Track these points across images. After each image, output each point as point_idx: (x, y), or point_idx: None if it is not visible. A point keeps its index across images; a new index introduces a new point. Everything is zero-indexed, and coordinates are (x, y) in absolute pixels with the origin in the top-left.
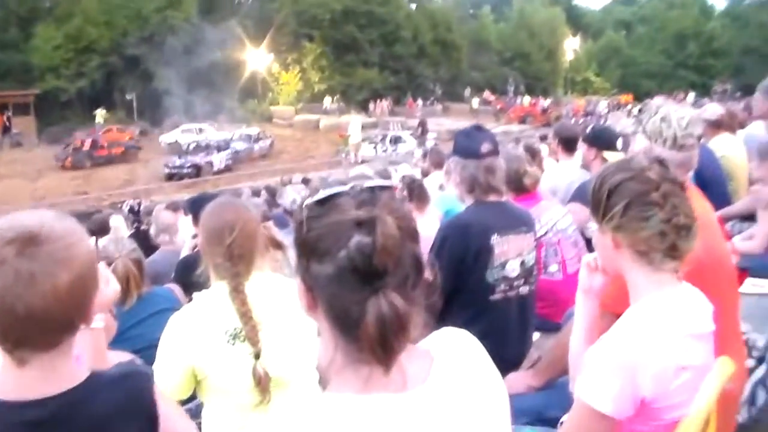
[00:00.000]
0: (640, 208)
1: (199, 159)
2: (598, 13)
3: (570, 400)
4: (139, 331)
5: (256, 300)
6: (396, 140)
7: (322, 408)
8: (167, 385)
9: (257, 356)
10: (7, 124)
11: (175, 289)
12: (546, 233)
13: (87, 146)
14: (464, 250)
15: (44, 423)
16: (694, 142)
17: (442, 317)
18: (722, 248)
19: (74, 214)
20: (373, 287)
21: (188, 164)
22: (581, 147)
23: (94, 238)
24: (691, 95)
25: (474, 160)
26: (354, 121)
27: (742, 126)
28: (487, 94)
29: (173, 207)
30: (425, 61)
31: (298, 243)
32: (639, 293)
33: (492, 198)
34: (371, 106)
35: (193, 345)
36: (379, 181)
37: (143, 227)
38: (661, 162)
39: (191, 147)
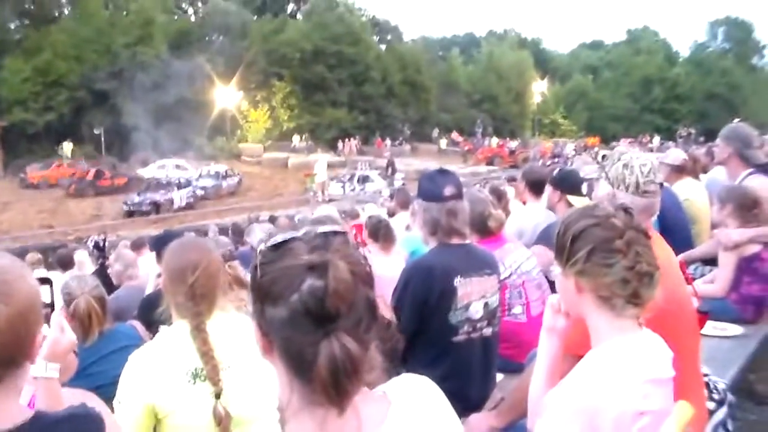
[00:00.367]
0: (604, 255)
1: (159, 196)
2: (566, 57)
3: None
4: (100, 368)
5: (218, 339)
6: (364, 179)
7: None
8: (127, 423)
9: (218, 396)
10: None
11: (138, 326)
12: (510, 275)
13: (91, 176)
14: (427, 292)
15: None
16: (655, 188)
17: (405, 358)
18: (683, 294)
19: (39, 247)
20: (326, 330)
21: (147, 201)
22: (547, 190)
23: (59, 272)
24: (657, 139)
25: (436, 203)
26: (321, 159)
27: (704, 171)
28: (455, 135)
29: (138, 244)
30: (394, 102)
31: (253, 287)
32: (600, 338)
33: (455, 240)
34: (340, 145)
35: (154, 383)
36: (332, 227)
37: (107, 263)
38: (626, 209)
39: (154, 184)
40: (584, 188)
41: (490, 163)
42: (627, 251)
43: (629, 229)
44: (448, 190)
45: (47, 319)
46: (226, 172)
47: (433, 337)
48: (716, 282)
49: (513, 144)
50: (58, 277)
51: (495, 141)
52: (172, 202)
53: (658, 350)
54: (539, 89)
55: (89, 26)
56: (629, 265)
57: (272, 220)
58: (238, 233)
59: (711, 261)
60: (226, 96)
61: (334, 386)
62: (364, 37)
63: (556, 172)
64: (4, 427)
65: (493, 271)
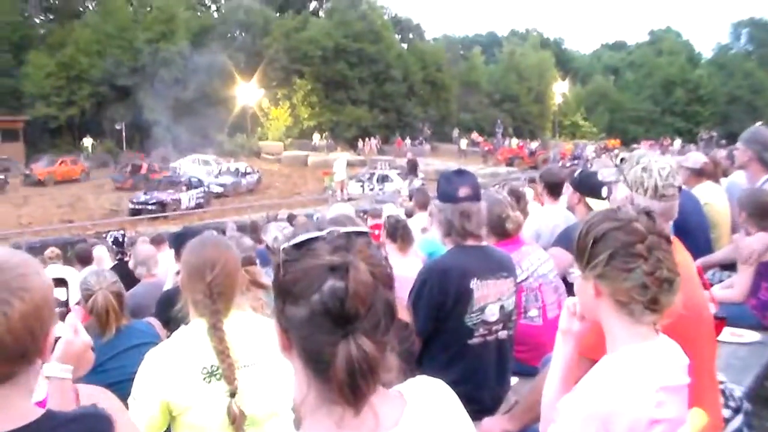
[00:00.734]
0: (625, 259)
1: (166, 196)
2: (587, 57)
3: None
4: (116, 364)
5: (234, 338)
6: (383, 179)
7: None
8: (141, 420)
9: (233, 395)
10: None
11: (155, 323)
12: (527, 278)
13: (144, 170)
14: (443, 294)
15: None
16: (674, 192)
17: (420, 360)
18: (701, 301)
19: (59, 242)
20: (345, 331)
21: (153, 200)
22: (566, 191)
23: (77, 267)
24: (678, 141)
25: (451, 204)
26: (340, 158)
27: (725, 174)
28: (475, 135)
29: (157, 240)
30: (415, 101)
31: (275, 285)
32: (616, 343)
33: (470, 242)
34: (360, 144)
35: (169, 381)
36: (355, 228)
37: (126, 259)
38: (648, 214)
39: (165, 182)
40: (604, 191)
41: (510, 164)
42: (648, 256)
43: (651, 233)
44: (463, 192)
45: (62, 319)
46: (245, 169)
47: (449, 339)
48: (735, 287)
49: (533, 145)
50: (75, 273)
51: (515, 142)
52: (179, 201)
53: (673, 357)
54: (560, 90)
55: (112, 22)
56: (650, 271)
57: (290, 218)
58: (254, 231)
59: (729, 266)
60: (247, 93)
61: (350, 386)
62: (386, 35)
63: (576, 173)
64: (16, 424)
65: (509, 274)
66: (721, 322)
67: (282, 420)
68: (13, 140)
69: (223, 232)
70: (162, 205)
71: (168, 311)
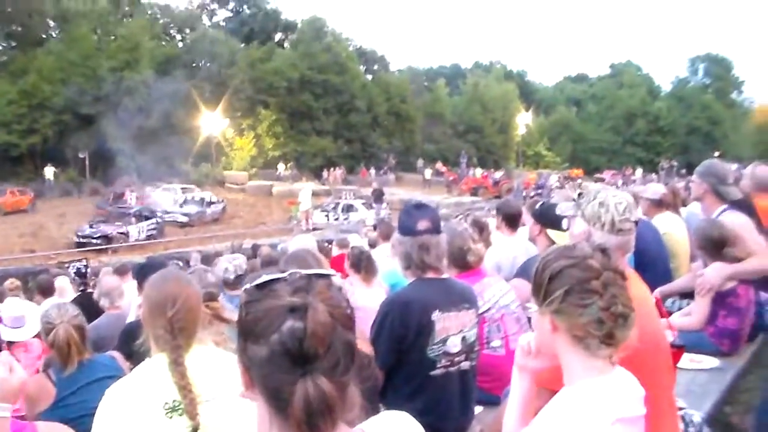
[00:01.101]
0: (580, 295)
1: (111, 228)
2: (550, 89)
3: None
4: (77, 399)
5: (196, 373)
6: (348, 208)
7: None
8: None
9: (195, 430)
10: None
11: (118, 356)
12: (489, 309)
13: (126, 198)
14: (405, 327)
15: None
16: (631, 226)
17: (384, 392)
18: (658, 332)
19: (20, 272)
20: (303, 370)
21: (98, 234)
22: (528, 222)
23: (38, 299)
24: (639, 171)
25: (410, 237)
26: (305, 188)
27: (684, 204)
28: (439, 165)
29: (121, 270)
30: (379, 131)
31: (238, 324)
32: (573, 377)
33: (430, 275)
34: (325, 173)
35: (130, 417)
36: (316, 270)
37: (89, 290)
38: (603, 250)
39: (115, 214)
40: (565, 223)
41: (474, 193)
42: (603, 292)
43: (606, 270)
44: (422, 225)
45: None
46: (210, 198)
47: (411, 371)
48: (693, 315)
49: (497, 174)
50: (35, 308)
51: (479, 171)
52: (127, 234)
53: (630, 389)
54: (524, 121)
55: (76, 50)
56: (605, 306)
57: (255, 248)
58: (204, 263)
59: (688, 295)
60: (212, 122)
61: (308, 425)
62: (351, 66)
63: (537, 205)
64: None
65: (471, 305)
66: (679, 350)
67: None
68: None
69: (188, 263)
70: (107, 239)
71: (131, 344)
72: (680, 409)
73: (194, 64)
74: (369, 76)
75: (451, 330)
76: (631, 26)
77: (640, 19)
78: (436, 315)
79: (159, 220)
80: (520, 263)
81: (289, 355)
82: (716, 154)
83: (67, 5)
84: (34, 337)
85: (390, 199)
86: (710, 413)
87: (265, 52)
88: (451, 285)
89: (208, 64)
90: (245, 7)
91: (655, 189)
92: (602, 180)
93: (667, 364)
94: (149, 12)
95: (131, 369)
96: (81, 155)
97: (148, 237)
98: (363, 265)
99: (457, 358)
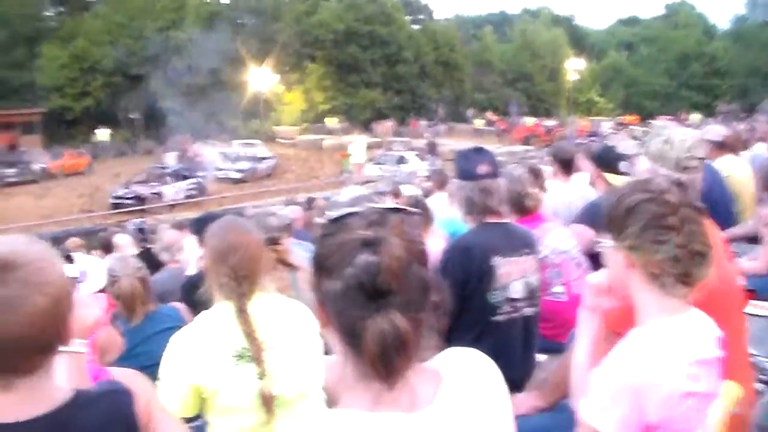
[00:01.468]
0: (657, 231)
1: (144, 189)
2: (601, 33)
3: (575, 422)
4: (145, 349)
5: (260, 320)
6: (400, 160)
7: (331, 424)
8: (172, 403)
9: (262, 376)
10: (14, 142)
11: (181, 308)
12: (549, 254)
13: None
14: (466, 272)
15: None
16: (697, 164)
17: (447, 338)
18: (731, 274)
19: (80, 232)
20: (377, 305)
21: (130, 195)
22: (586, 167)
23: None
24: (696, 116)
25: (471, 181)
26: (357, 141)
27: (746, 147)
28: (490, 115)
29: (178, 226)
30: (428, 82)
31: (313, 259)
32: (647, 316)
33: (492, 219)
34: (375, 126)
35: (198, 364)
36: (391, 204)
37: (149, 246)
38: (680, 185)
39: (154, 174)
40: (624, 166)
41: (525, 142)
42: (680, 229)
43: (683, 206)
44: (482, 169)
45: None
46: (262, 154)
47: (474, 317)
48: (759, 259)
49: (549, 123)
50: (99, 262)
51: (530, 120)
52: (161, 195)
53: (706, 330)
54: (574, 67)
55: (122, 12)
56: (682, 243)
57: (310, 202)
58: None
59: (754, 239)
60: (260, 78)
61: (382, 361)
62: (397, 16)
63: (596, 148)
64: (44, 410)
65: (532, 251)
66: (748, 294)
67: (311, 400)
68: (31, 133)
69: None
70: (140, 200)
71: (192, 296)
72: (751, 356)
73: (239, 21)
74: (415, 26)
75: (512, 275)
76: None
77: None
78: (497, 260)
79: (200, 179)
80: (576, 208)
81: (362, 290)
82: None
83: None
84: (99, 291)
85: (441, 150)
86: None
87: (311, 6)
88: (512, 230)
89: (254, 20)
90: None
91: (717, 130)
92: None
93: (740, 306)
94: None
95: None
96: (132, 116)
97: (187, 197)
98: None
99: (519, 304)
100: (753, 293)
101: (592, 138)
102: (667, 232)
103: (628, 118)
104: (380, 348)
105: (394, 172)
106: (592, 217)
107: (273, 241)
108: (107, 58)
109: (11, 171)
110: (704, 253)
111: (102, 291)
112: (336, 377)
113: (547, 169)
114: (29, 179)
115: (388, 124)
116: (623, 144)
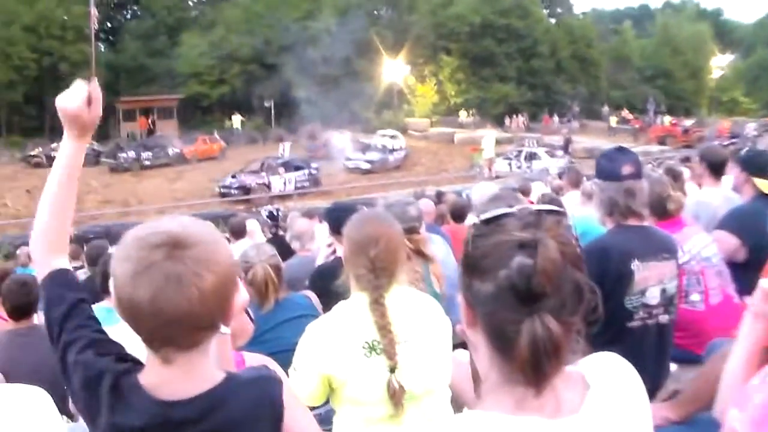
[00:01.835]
0: None
1: (251, 179)
2: (750, 27)
3: None
4: (275, 335)
5: (395, 313)
6: (531, 156)
7: (472, 426)
8: (303, 391)
9: (392, 370)
10: (152, 126)
11: (312, 296)
12: (689, 261)
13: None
14: (602, 275)
15: (188, 422)
16: None
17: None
18: None
19: (211, 216)
20: (530, 309)
21: (236, 185)
22: (731, 170)
23: (231, 240)
24: None
25: (614, 182)
26: (488, 135)
27: None
28: (625, 113)
29: (309, 214)
30: (563, 77)
31: (464, 260)
32: None
33: (632, 222)
34: (507, 121)
35: (331, 354)
36: (546, 206)
37: (281, 233)
38: None
39: (267, 164)
40: None
41: (661, 142)
42: None
43: None
44: (627, 169)
45: None
46: (393, 145)
47: (608, 321)
48: None
49: (687, 122)
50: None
51: (668, 119)
52: (268, 186)
53: None
54: (718, 64)
55: (261, 2)
56: None
57: (439, 195)
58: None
59: None
60: (394, 70)
61: (533, 366)
62: (534, 9)
63: (743, 152)
64: (203, 388)
65: (671, 256)
66: None
67: (438, 397)
68: (168, 118)
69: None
70: (246, 190)
71: (322, 285)
72: None
73: (375, 11)
74: (552, 20)
75: (650, 280)
76: None
77: None
78: (635, 264)
79: (312, 171)
80: (720, 214)
81: (516, 292)
82: None
83: None
84: None
85: (573, 147)
86: None
87: None
88: (651, 233)
89: (389, 11)
90: None
91: None
92: None
93: None
94: None
95: (323, 309)
96: (266, 104)
97: (297, 188)
98: None
99: (655, 311)
100: None
101: (734, 140)
102: None
103: None
104: (533, 352)
105: (524, 169)
106: (737, 223)
107: (411, 231)
108: (245, 46)
109: (148, 154)
110: None
111: None
112: (464, 376)
113: (686, 172)
114: (164, 162)
115: (521, 119)
116: None
